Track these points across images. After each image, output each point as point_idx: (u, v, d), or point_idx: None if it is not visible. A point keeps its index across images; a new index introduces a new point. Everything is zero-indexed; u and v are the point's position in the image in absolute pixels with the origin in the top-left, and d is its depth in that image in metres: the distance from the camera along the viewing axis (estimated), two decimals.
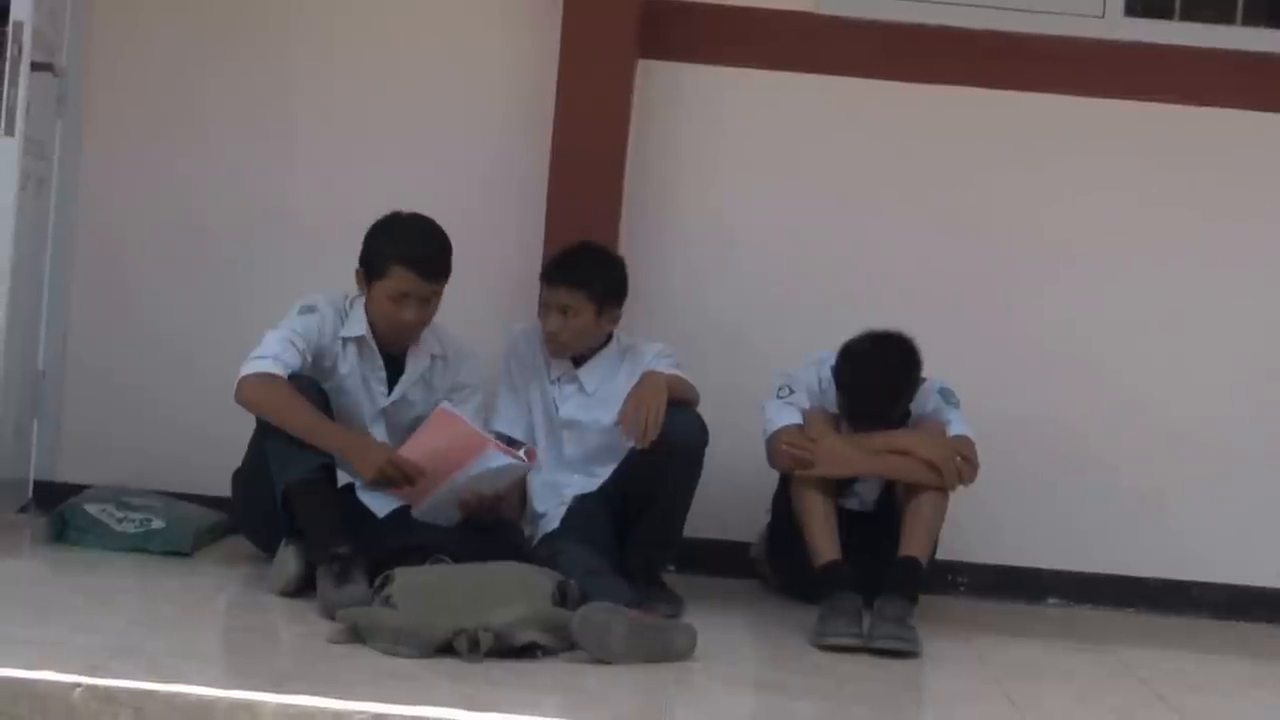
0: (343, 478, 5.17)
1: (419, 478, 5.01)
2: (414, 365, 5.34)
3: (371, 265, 5.20)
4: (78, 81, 5.96)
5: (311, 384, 5.10)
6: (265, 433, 5.05)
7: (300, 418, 4.98)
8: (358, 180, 6.03)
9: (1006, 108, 6.10)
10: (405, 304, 5.17)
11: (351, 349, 5.25)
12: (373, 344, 5.26)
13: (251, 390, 5.02)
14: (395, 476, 5.00)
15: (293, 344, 5.08)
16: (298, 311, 5.18)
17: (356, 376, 5.26)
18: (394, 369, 5.32)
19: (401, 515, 5.13)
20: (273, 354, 5.04)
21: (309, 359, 5.12)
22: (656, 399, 5.24)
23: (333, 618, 4.58)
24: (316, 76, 6.13)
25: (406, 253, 5.16)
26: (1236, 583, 6.09)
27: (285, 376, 5.03)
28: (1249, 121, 6.10)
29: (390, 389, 5.31)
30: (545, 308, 5.48)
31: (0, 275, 5.34)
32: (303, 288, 5.89)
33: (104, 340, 6.10)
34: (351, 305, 5.27)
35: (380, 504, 5.16)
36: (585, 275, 5.45)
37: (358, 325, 5.25)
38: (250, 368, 5.03)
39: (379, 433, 5.28)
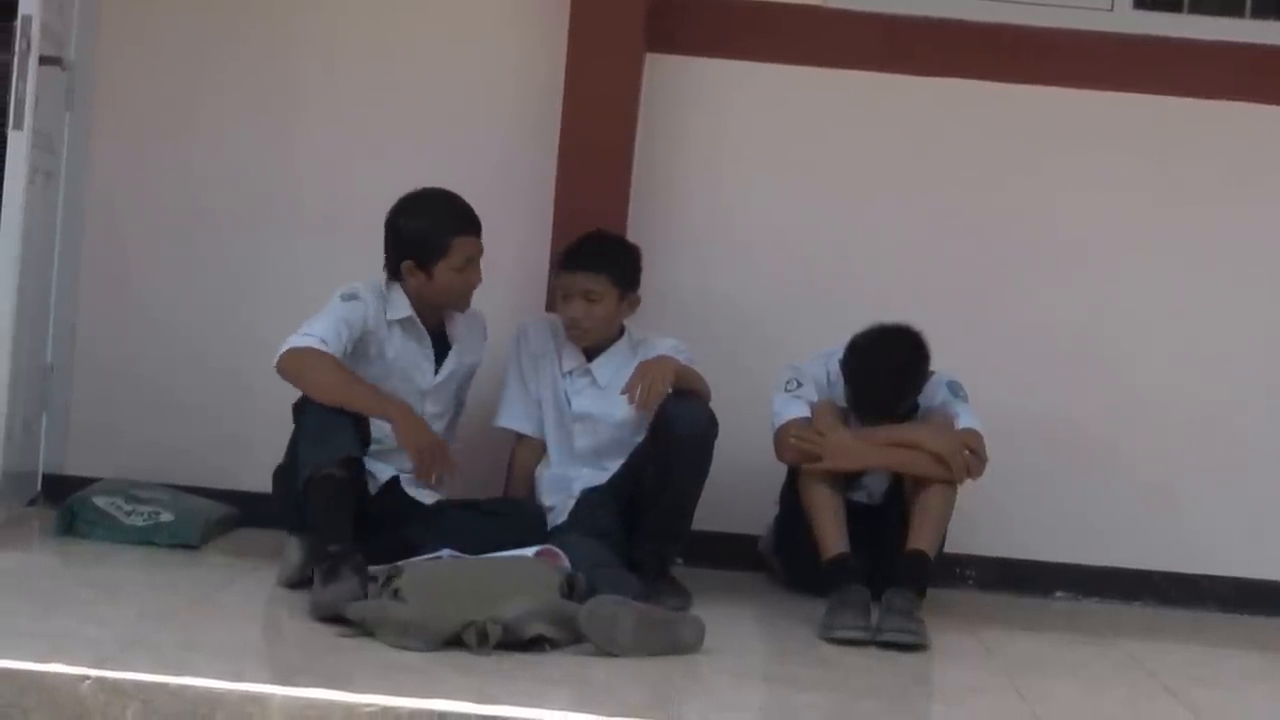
0: (386, 471, 5.18)
1: (450, 471, 5.09)
2: (455, 334, 5.37)
3: (426, 250, 5.18)
4: (86, 76, 5.96)
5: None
6: (300, 415, 5.01)
7: (345, 386, 4.96)
8: (365, 174, 6.02)
9: (1015, 101, 6.09)
10: (471, 268, 5.24)
11: (397, 331, 5.24)
12: (419, 324, 5.26)
13: (295, 359, 4.97)
14: (432, 462, 5.02)
15: (339, 331, 5.05)
16: (340, 299, 5.15)
17: (405, 358, 5.26)
18: (438, 345, 5.33)
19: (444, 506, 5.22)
20: (318, 334, 5.01)
21: (349, 349, 5.09)
22: (663, 370, 5.27)
23: (320, 617, 4.57)
24: (324, 69, 6.13)
25: (460, 222, 5.23)
26: (1245, 576, 6.08)
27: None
28: (1257, 115, 6.08)
29: (438, 366, 5.32)
30: (565, 295, 5.48)
31: (9, 269, 5.34)
32: (311, 281, 5.91)
33: (112, 334, 6.10)
34: (389, 289, 5.26)
35: (427, 494, 5.24)
36: (608, 260, 5.48)
37: (402, 308, 5.24)
38: (296, 341, 4.99)
39: (428, 408, 5.29)
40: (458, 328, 5.38)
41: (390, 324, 5.23)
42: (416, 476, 5.11)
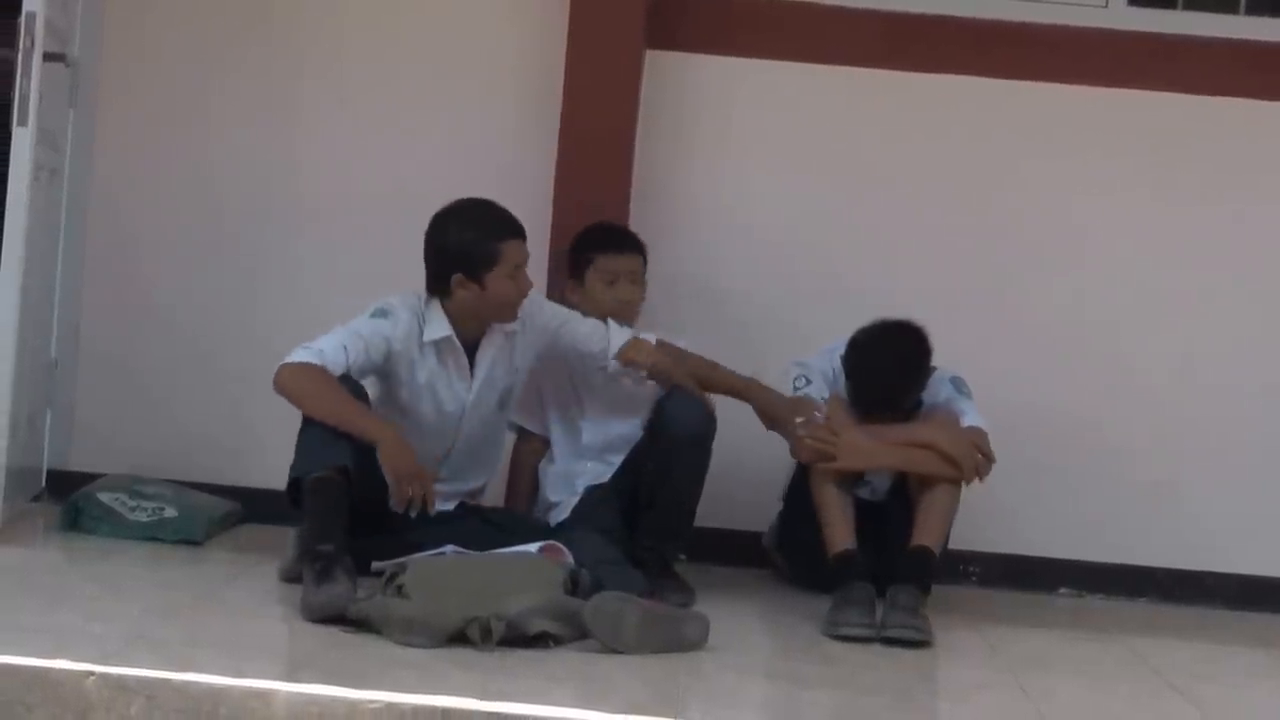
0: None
1: (428, 505, 4.94)
2: (486, 350, 5.22)
3: (476, 260, 5.04)
4: (90, 72, 5.95)
5: (354, 388, 4.99)
6: (303, 426, 4.93)
7: (335, 405, 4.87)
8: (368, 170, 6.03)
9: (1012, 97, 6.09)
10: (520, 274, 5.12)
11: (431, 353, 5.14)
12: (457, 343, 5.15)
13: (288, 377, 4.89)
14: (412, 492, 4.89)
15: (345, 347, 4.95)
16: (370, 314, 5.06)
17: (439, 379, 5.16)
18: (473, 359, 5.22)
19: (446, 516, 5.16)
20: (319, 349, 4.93)
21: (358, 368, 4.99)
22: (654, 350, 5.34)
23: (313, 619, 4.54)
24: (327, 66, 6.13)
25: (506, 228, 5.11)
26: (1250, 573, 6.07)
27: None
28: (1253, 111, 6.08)
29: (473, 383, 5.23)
30: (610, 279, 5.50)
31: (13, 265, 5.33)
32: (315, 277, 5.95)
33: (116, 330, 6.10)
34: (427, 307, 5.15)
35: (441, 502, 5.16)
36: (638, 242, 5.59)
37: (441, 327, 5.12)
38: (293, 356, 4.92)
39: (467, 427, 5.23)
40: (494, 342, 5.23)
41: (424, 345, 5.13)
42: (393, 501, 4.93)
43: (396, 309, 5.10)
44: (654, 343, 5.42)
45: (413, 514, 4.94)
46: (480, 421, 5.28)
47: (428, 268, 5.15)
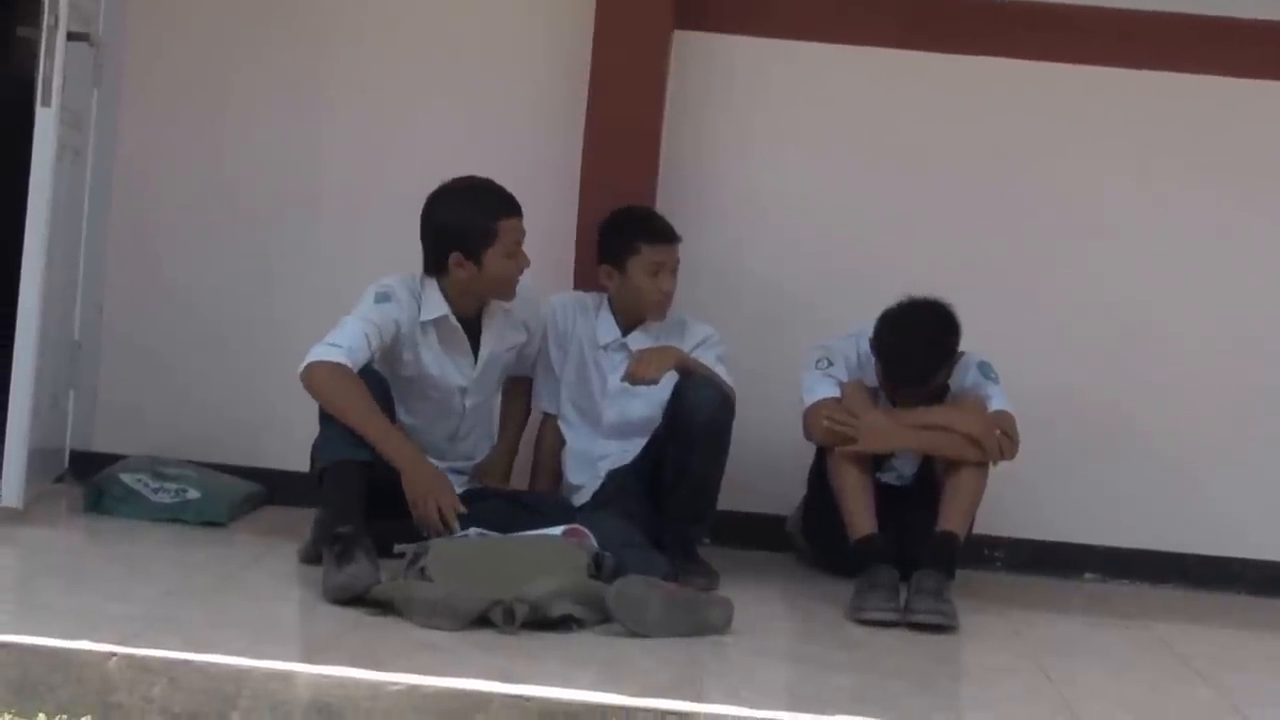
0: None
1: (449, 528, 4.92)
2: (490, 326, 5.27)
3: (473, 239, 5.07)
4: (114, 52, 5.95)
5: (378, 381, 5.01)
6: (325, 415, 4.96)
7: (365, 420, 4.88)
8: (392, 154, 6.02)
9: (1045, 79, 6.05)
10: (518, 251, 5.13)
11: (432, 332, 5.17)
12: (454, 322, 5.17)
13: (320, 380, 4.89)
14: (434, 519, 4.90)
15: (368, 338, 4.96)
16: (374, 299, 5.06)
17: (441, 359, 5.19)
18: (472, 335, 5.25)
19: (469, 497, 5.14)
20: (347, 345, 4.92)
21: (377, 356, 5.02)
22: (663, 358, 5.26)
23: (335, 600, 4.54)
24: (352, 49, 6.12)
25: (503, 205, 5.12)
26: (1276, 559, 6.04)
27: (355, 372, 4.92)
28: None
29: (475, 357, 5.26)
30: (656, 270, 5.45)
31: (37, 246, 5.33)
32: (337, 262, 5.93)
33: (139, 311, 6.10)
34: (424, 287, 5.17)
35: (459, 482, 5.19)
36: (677, 232, 5.54)
37: (437, 306, 5.15)
38: (321, 354, 4.92)
39: (471, 404, 5.27)
40: (496, 319, 5.28)
41: (425, 325, 5.15)
42: (419, 525, 4.93)
43: (396, 290, 5.11)
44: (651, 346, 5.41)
45: (440, 534, 4.92)
46: (484, 397, 5.33)
47: (425, 247, 5.17)
